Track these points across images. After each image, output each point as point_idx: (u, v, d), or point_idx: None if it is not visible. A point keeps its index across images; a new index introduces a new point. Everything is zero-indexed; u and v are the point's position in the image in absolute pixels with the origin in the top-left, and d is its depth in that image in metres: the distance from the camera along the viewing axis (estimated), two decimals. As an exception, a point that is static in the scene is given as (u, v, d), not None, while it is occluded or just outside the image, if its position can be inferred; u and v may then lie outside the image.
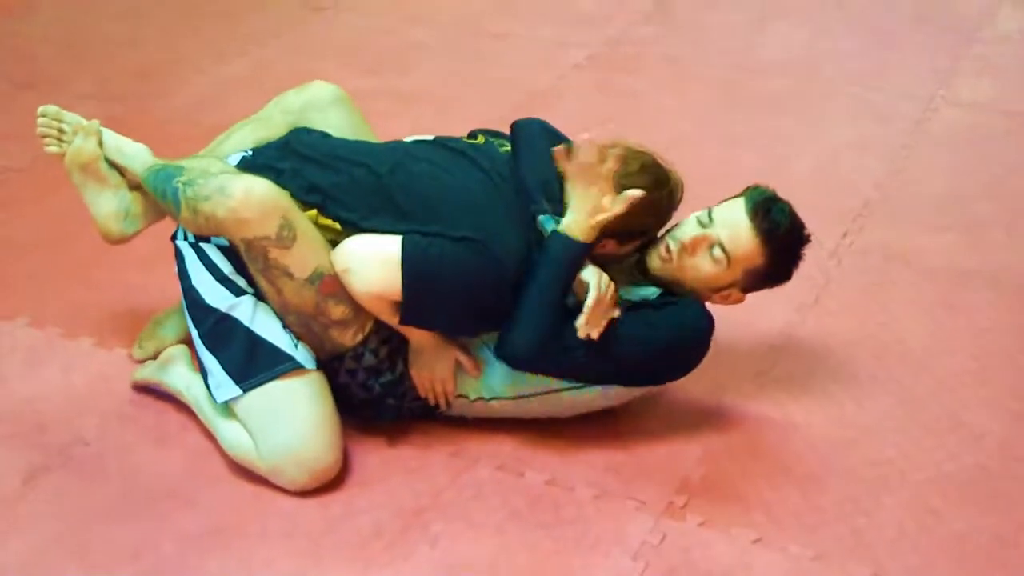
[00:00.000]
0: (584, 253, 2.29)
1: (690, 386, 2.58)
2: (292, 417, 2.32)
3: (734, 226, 2.34)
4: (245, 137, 2.62)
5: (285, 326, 2.37)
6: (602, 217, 2.27)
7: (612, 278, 2.30)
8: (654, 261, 2.40)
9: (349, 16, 4.84)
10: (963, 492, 2.37)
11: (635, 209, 2.28)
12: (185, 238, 2.44)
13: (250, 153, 2.50)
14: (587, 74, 4.28)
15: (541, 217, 2.33)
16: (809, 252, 3.05)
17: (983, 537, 2.27)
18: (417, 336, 2.38)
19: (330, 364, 2.41)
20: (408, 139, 2.62)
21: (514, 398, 2.44)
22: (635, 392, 2.47)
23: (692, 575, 2.17)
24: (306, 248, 2.31)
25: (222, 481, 2.40)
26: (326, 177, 2.39)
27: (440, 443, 2.48)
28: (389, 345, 2.41)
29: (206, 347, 2.38)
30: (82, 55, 4.47)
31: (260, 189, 2.29)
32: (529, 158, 2.42)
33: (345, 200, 2.37)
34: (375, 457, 2.46)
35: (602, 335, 2.26)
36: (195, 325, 2.40)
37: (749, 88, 4.16)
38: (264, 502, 2.34)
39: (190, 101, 4.08)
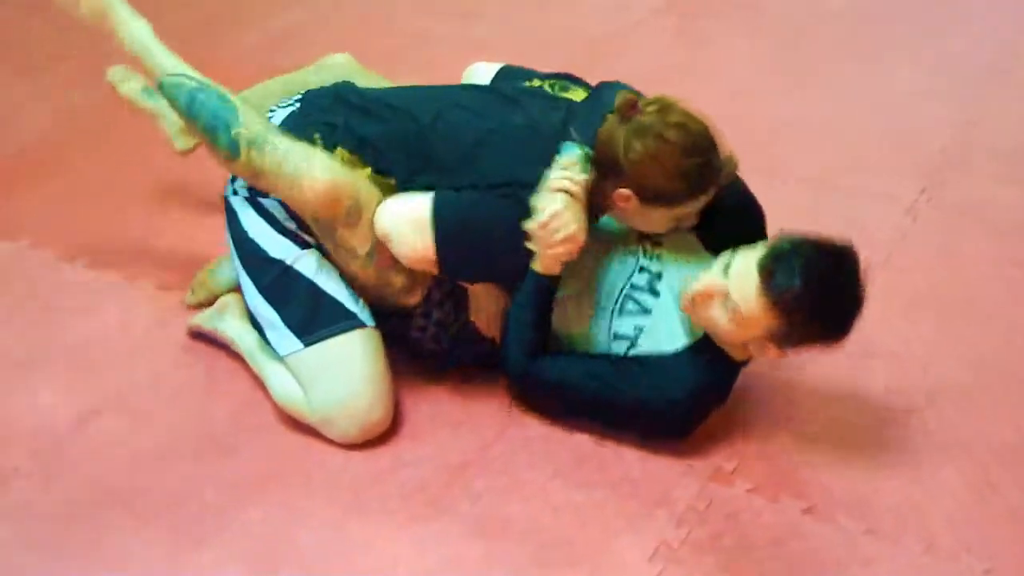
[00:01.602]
0: (546, 283, 2.26)
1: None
2: (346, 371, 2.31)
3: (744, 284, 2.10)
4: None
5: (344, 282, 2.36)
6: (556, 252, 2.21)
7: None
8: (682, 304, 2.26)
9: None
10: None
11: (656, 170, 2.16)
12: (236, 193, 2.41)
13: (298, 106, 2.45)
14: (663, 19, 4.18)
15: (564, 144, 2.23)
16: (884, 207, 3.03)
17: (1045, 512, 2.19)
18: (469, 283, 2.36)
19: (401, 321, 2.40)
20: (470, 75, 2.62)
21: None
22: None
23: (738, 542, 2.13)
24: (368, 225, 2.29)
25: (269, 431, 2.40)
26: (375, 128, 2.34)
27: (490, 398, 2.45)
28: (453, 298, 2.40)
29: (267, 299, 2.36)
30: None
31: (341, 179, 2.27)
32: (587, 119, 2.28)
33: (392, 156, 2.33)
34: (425, 411, 2.44)
35: (588, 375, 2.26)
36: (254, 278, 2.38)
37: (824, 36, 4.05)
38: (310, 453, 2.34)
39: (256, 45, 4.06)
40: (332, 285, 2.34)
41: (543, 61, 3.79)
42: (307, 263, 2.34)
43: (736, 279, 2.11)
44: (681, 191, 2.18)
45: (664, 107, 2.19)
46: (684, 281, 2.25)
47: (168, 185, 3.19)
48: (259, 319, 2.40)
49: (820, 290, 2.06)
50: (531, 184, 2.22)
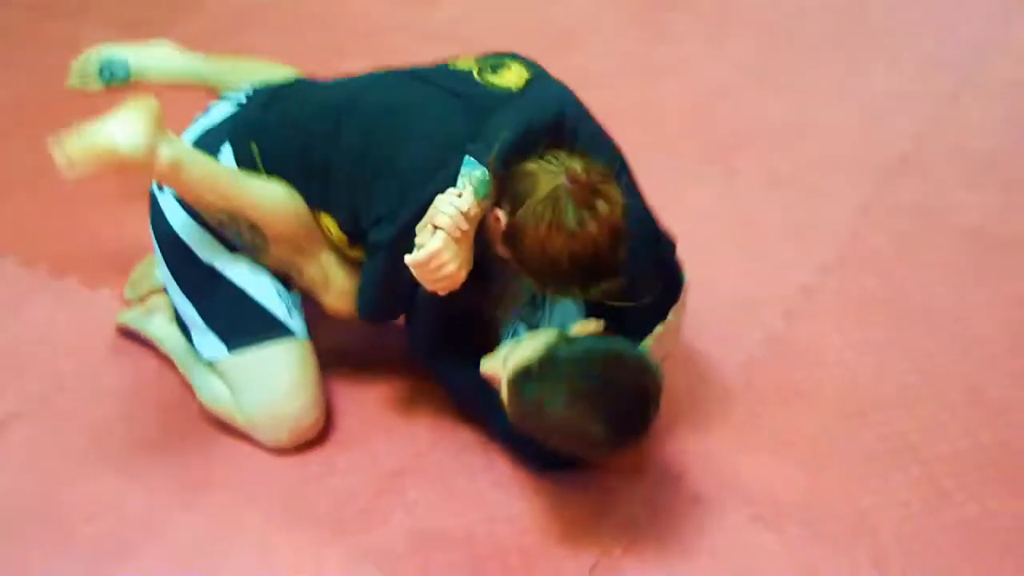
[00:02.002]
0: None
1: (692, 341, 2.45)
2: (274, 377, 2.23)
3: (504, 389, 2.00)
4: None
5: (280, 291, 2.27)
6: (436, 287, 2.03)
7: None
8: None
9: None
10: (979, 473, 2.22)
11: (537, 255, 1.96)
12: (162, 188, 2.30)
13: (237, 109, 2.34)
14: (620, 12, 4.09)
15: (467, 159, 2.01)
16: (838, 207, 2.96)
17: (996, 522, 2.12)
18: None
19: None
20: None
21: None
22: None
23: (681, 550, 2.06)
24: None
25: (198, 435, 2.31)
26: (283, 152, 2.24)
27: (425, 404, 2.37)
28: None
29: (192, 303, 2.27)
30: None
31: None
32: (496, 135, 2.05)
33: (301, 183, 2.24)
34: (357, 417, 2.35)
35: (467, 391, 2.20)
36: (179, 280, 2.28)
37: (792, 30, 3.94)
38: (239, 458, 2.25)
39: (206, 28, 3.95)
40: (262, 293, 2.25)
41: (504, 47, 3.72)
42: (236, 268, 2.25)
43: (505, 377, 1.98)
44: (548, 281, 2.01)
45: (597, 199, 1.94)
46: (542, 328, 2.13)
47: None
48: (185, 320, 2.30)
49: (571, 417, 1.88)
50: (422, 209, 2.03)
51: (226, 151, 2.25)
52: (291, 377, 2.22)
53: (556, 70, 3.53)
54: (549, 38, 3.89)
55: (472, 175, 1.98)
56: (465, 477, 2.21)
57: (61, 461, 2.25)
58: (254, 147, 2.23)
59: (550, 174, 1.96)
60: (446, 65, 2.28)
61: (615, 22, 4.02)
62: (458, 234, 1.96)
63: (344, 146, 2.16)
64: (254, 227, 2.19)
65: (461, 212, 1.95)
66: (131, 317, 2.50)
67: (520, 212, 1.96)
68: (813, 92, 3.54)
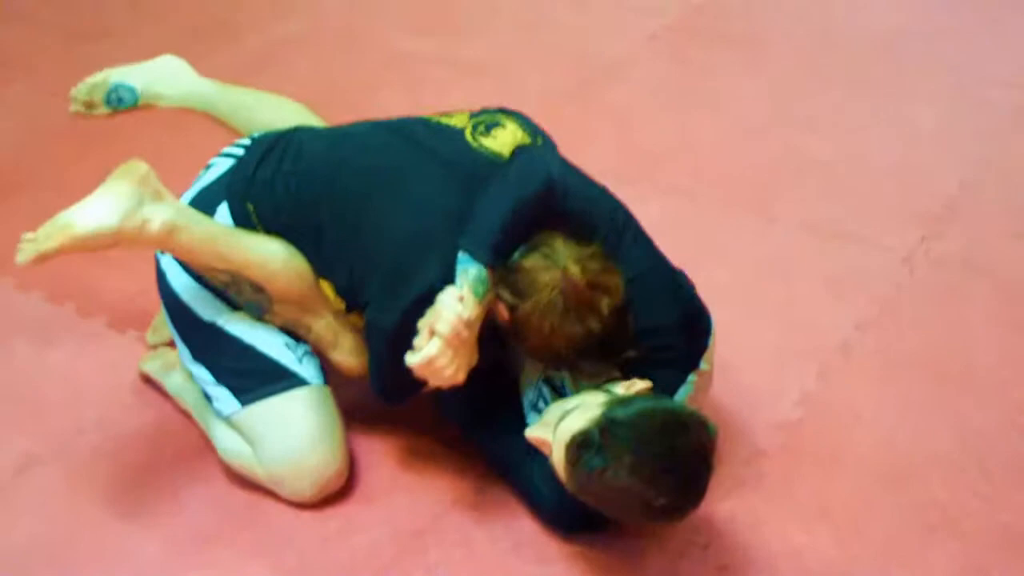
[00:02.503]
0: None
1: (722, 398, 2.38)
2: (294, 426, 2.18)
3: (558, 453, 1.92)
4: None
5: (288, 342, 2.23)
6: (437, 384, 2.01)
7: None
8: None
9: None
10: (1020, 550, 2.13)
11: (539, 340, 1.98)
12: (164, 252, 2.27)
13: (234, 163, 2.31)
14: (662, 46, 4.03)
15: (461, 254, 1.98)
16: (880, 258, 2.88)
17: (1037, 607, 2.04)
18: None
19: None
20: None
21: None
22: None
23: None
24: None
25: (217, 486, 2.27)
26: (281, 219, 2.21)
27: (451, 462, 2.31)
28: None
29: (201, 363, 2.24)
30: (146, 9, 4.35)
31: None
32: (485, 223, 2.01)
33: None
34: (381, 474, 2.30)
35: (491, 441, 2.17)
36: (187, 342, 2.25)
37: (831, 66, 3.87)
38: (258, 512, 2.21)
39: (241, 60, 3.93)
40: (268, 344, 2.21)
41: (535, 85, 3.69)
42: (239, 323, 2.22)
43: (558, 444, 1.91)
44: (560, 366, 2.06)
45: (597, 297, 1.94)
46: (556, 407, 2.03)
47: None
48: (197, 380, 2.28)
49: (631, 486, 1.83)
50: (421, 298, 2.00)
51: (222, 210, 2.22)
52: (309, 426, 2.18)
53: (594, 104, 3.51)
54: (588, 72, 3.85)
55: (468, 274, 1.95)
56: (487, 540, 2.15)
57: (77, 507, 2.22)
58: (250, 207, 2.21)
59: (546, 271, 1.95)
60: (439, 121, 2.23)
61: (653, 57, 3.96)
62: (457, 342, 1.93)
63: (334, 213, 2.14)
64: (257, 287, 2.16)
65: (462, 319, 1.92)
66: (153, 368, 2.47)
67: (520, 313, 1.96)
68: (854, 130, 3.47)
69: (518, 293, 1.97)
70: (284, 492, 2.20)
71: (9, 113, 3.65)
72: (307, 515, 2.20)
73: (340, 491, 2.23)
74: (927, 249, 2.94)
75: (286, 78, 3.73)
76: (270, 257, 2.16)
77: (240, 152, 2.32)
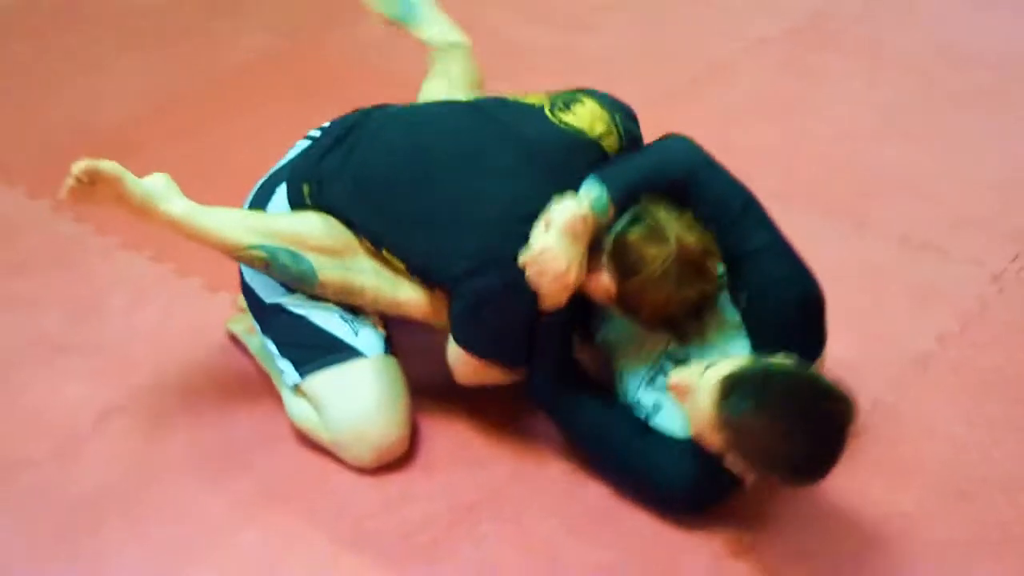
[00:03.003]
0: (554, 317, 2.13)
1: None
2: (357, 394, 2.25)
3: (706, 392, 1.93)
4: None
5: (344, 316, 2.29)
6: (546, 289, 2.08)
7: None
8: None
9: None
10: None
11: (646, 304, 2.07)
12: None
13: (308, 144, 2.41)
14: (773, 49, 4.00)
15: (590, 179, 2.06)
16: (968, 273, 2.83)
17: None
18: None
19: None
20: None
21: None
22: None
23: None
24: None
25: (286, 448, 2.35)
26: (342, 192, 2.30)
27: (513, 438, 2.36)
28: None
29: (265, 333, 2.34)
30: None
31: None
32: (623, 170, 2.13)
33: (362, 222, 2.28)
34: (442, 445, 2.35)
35: (601, 428, 2.16)
36: (258, 321, 2.36)
37: (949, 81, 3.79)
38: (322, 475, 2.28)
39: (362, 42, 4.02)
40: (326, 320, 2.29)
41: (641, 82, 3.70)
42: (299, 303, 2.30)
43: (706, 384, 1.94)
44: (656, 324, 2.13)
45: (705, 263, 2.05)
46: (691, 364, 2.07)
47: (243, 190, 3.17)
48: (268, 349, 2.37)
49: (772, 432, 1.86)
50: (507, 258, 2.08)
51: (280, 191, 2.34)
52: (370, 395, 2.24)
53: (700, 104, 3.51)
54: (697, 70, 3.85)
55: (591, 191, 2.03)
56: (539, 517, 2.19)
57: (151, 459, 2.32)
58: (305, 188, 2.30)
59: (655, 244, 2.01)
60: (517, 100, 2.29)
61: (763, 60, 3.94)
62: (573, 231, 1.99)
63: (415, 197, 2.20)
64: (294, 255, 2.23)
65: (578, 214, 1.99)
66: (239, 328, 2.57)
67: (631, 287, 2.03)
68: (958, 145, 3.39)
69: (626, 268, 2.02)
70: (346, 457, 2.27)
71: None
72: (367, 481, 2.26)
73: (401, 459, 2.29)
74: (1019, 268, 2.87)
75: (395, 60, 3.81)
76: (295, 218, 2.26)
77: (318, 134, 2.40)
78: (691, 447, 2.04)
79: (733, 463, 1.95)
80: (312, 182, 2.30)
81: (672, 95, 3.70)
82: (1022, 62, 3.90)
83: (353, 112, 2.45)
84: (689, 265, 2.01)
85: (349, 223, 2.27)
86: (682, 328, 2.13)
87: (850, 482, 2.25)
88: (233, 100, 3.62)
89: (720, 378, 1.91)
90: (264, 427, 2.39)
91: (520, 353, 2.19)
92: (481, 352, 2.20)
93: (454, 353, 2.23)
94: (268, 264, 2.24)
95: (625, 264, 2.02)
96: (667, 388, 2.05)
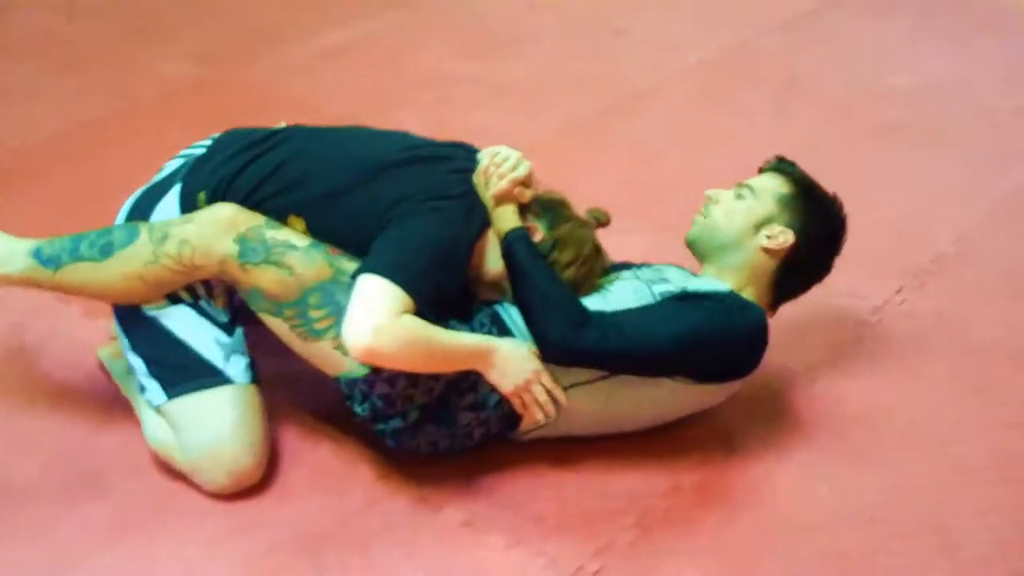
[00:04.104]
0: (520, 235, 2.27)
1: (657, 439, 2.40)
2: (214, 418, 2.27)
3: (757, 177, 2.45)
4: None
5: (219, 339, 2.30)
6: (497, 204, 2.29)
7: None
8: (692, 228, 2.42)
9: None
10: None
11: None
12: None
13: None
14: (692, 80, 4.05)
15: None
16: (850, 305, 2.85)
17: None
18: (486, 355, 2.20)
19: (452, 402, 2.25)
20: None
21: (566, 388, 2.26)
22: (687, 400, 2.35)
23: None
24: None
25: (143, 473, 2.36)
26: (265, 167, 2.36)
27: (374, 464, 2.37)
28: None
29: (135, 352, 2.33)
30: (198, 12, 4.51)
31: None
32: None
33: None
34: (301, 473, 2.36)
35: (643, 313, 2.24)
36: (124, 330, 2.35)
37: (865, 116, 3.84)
38: (175, 501, 2.29)
39: (281, 67, 4.06)
40: (199, 341, 2.29)
41: (557, 111, 3.74)
42: (173, 317, 2.30)
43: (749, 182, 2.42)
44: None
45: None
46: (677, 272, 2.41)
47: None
48: (134, 370, 2.37)
49: (819, 193, 2.42)
50: (450, 196, 2.26)
51: (172, 195, 2.34)
52: (229, 420, 2.26)
53: (609, 135, 3.54)
54: (612, 101, 3.88)
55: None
56: (386, 546, 2.20)
57: (8, 482, 2.33)
58: (201, 196, 2.32)
59: (580, 229, 2.37)
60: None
61: (681, 91, 3.99)
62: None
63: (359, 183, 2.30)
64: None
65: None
66: (105, 355, 2.58)
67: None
68: (864, 180, 3.41)
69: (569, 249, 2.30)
70: (201, 481, 2.28)
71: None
72: (221, 507, 2.27)
73: (255, 487, 2.30)
74: (901, 301, 2.90)
75: (316, 89, 3.86)
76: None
77: (200, 151, 2.43)
78: (737, 295, 2.32)
79: (775, 236, 2.35)
80: (209, 189, 2.32)
81: (583, 125, 3.75)
82: (940, 98, 3.94)
83: (246, 129, 2.50)
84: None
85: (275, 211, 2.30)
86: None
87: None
88: (144, 126, 3.65)
89: (768, 164, 2.49)
90: (125, 454, 2.40)
91: (441, 277, 2.21)
92: (404, 269, 2.15)
93: (363, 312, 2.11)
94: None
95: (565, 249, 2.30)
96: (706, 199, 2.43)
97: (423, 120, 3.61)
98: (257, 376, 2.34)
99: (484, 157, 2.32)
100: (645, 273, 2.41)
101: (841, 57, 4.24)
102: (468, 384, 2.22)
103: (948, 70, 4.12)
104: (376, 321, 2.08)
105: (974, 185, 3.44)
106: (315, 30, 4.35)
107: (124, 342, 2.37)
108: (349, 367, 2.19)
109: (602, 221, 2.42)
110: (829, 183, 2.52)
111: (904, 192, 3.40)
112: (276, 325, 2.26)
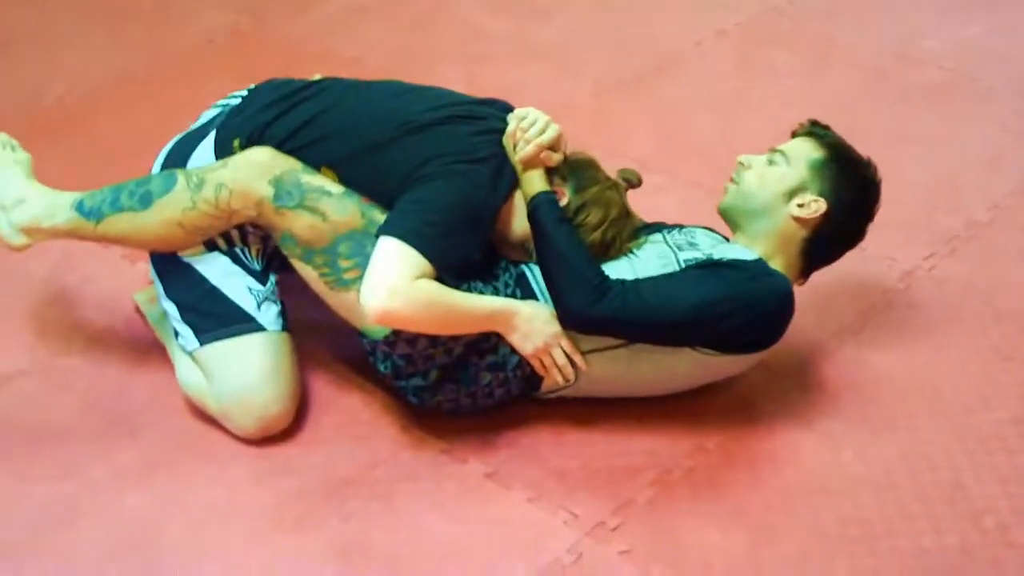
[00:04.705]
0: (548, 199, 2.28)
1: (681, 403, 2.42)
2: (245, 364, 2.30)
3: (786, 142, 2.43)
4: None
5: (251, 287, 2.33)
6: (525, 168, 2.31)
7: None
8: (725, 197, 2.41)
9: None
10: (929, 574, 2.12)
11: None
12: None
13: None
14: (728, 42, 4.02)
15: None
16: (879, 270, 2.84)
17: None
18: (506, 318, 2.22)
19: (472, 362, 2.28)
20: None
21: (587, 352, 2.28)
22: (706, 369, 2.35)
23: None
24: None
25: (177, 416, 2.41)
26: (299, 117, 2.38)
27: (401, 414, 2.40)
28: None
29: (170, 298, 2.37)
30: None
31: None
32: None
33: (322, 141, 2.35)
34: (330, 419, 2.41)
35: (666, 282, 2.24)
36: (160, 275, 2.39)
37: (899, 79, 3.80)
38: (205, 445, 2.34)
39: (321, 22, 4.06)
40: (232, 288, 2.33)
41: (593, 72, 3.73)
42: (209, 264, 2.34)
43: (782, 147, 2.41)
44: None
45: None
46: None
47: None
48: (167, 315, 2.41)
49: (853, 157, 2.41)
50: (478, 158, 2.26)
51: (207, 143, 2.38)
52: (260, 367, 2.29)
53: (647, 95, 3.64)
54: (647, 63, 3.87)
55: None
56: (408, 495, 2.24)
57: (46, 423, 2.39)
58: (236, 142, 2.35)
59: (608, 190, 2.39)
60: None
61: (715, 53, 3.96)
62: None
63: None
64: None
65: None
66: (142, 299, 2.62)
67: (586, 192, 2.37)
68: (897, 144, 3.37)
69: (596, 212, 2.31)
70: (231, 427, 2.33)
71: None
72: (249, 452, 2.32)
73: (284, 433, 2.34)
74: (931, 267, 2.90)
75: (355, 44, 3.87)
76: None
77: (236, 101, 2.45)
78: (764, 263, 2.32)
79: (806, 204, 2.34)
80: (244, 137, 2.35)
81: (618, 86, 3.73)
82: (975, 63, 3.90)
83: (283, 79, 2.52)
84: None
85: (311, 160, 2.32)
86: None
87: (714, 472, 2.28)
88: (182, 78, 3.67)
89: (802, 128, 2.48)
90: (157, 397, 2.45)
91: (463, 241, 2.23)
92: (423, 233, 2.17)
93: (381, 274, 2.14)
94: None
95: (592, 211, 2.30)
96: (739, 165, 2.42)
97: (460, 76, 3.61)
98: (288, 324, 2.38)
99: (512, 121, 2.32)
100: (675, 237, 2.41)
101: (876, 21, 4.19)
102: (489, 345, 2.25)
103: (983, 36, 4.07)
104: (391, 284, 2.11)
105: (1008, 152, 3.41)
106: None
107: (159, 288, 2.40)
108: (371, 324, 2.22)
109: (633, 182, 2.43)
110: (862, 147, 2.51)
111: (938, 157, 3.37)
112: (307, 272, 2.28)
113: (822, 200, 2.34)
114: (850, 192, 2.37)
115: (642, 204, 2.54)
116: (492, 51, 3.93)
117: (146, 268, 2.74)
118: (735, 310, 2.23)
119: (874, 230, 2.54)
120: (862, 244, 2.52)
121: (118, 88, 3.61)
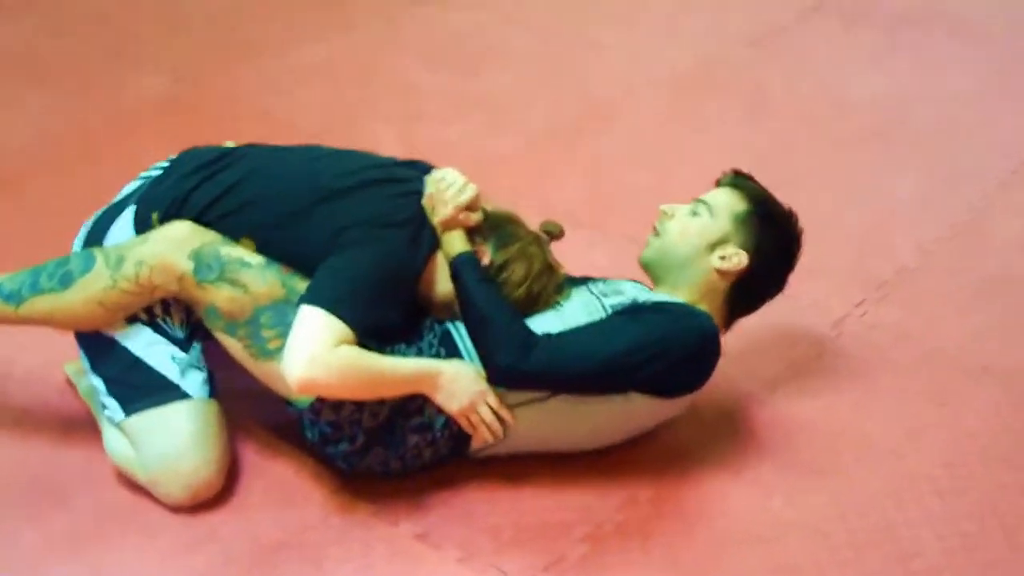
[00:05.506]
0: (468, 260, 2.30)
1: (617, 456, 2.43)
2: (171, 432, 2.29)
3: (710, 191, 2.46)
4: None
5: (175, 356, 2.33)
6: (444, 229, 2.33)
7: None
8: (646, 250, 2.44)
9: (447, 13, 4.70)
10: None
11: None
12: None
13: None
14: (661, 92, 4.07)
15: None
16: (811, 318, 2.87)
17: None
18: (430, 379, 2.23)
19: (399, 425, 2.28)
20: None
21: (514, 407, 2.28)
22: (640, 416, 2.37)
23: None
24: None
25: (105, 486, 2.38)
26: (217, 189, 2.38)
27: (331, 479, 2.39)
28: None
29: (94, 371, 2.37)
30: (176, 28, 4.53)
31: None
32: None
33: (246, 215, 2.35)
34: (262, 483, 2.39)
35: (590, 330, 2.26)
36: (85, 351, 2.39)
37: (831, 126, 3.86)
38: (134, 514, 2.32)
39: (257, 83, 4.08)
40: (156, 356, 2.32)
41: (527, 123, 3.77)
42: (132, 336, 2.33)
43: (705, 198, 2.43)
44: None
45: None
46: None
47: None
48: (94, 390, 2.41)
49: (775, 209, 2.45)
50: (396, 223, 2.29)
51: (127, 216, 2.37)
52: (186, 434, 2.28)
53: (579, 147, 3.61)
54: (580, 113, 3.91)
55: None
56: (338, 562, 2.22)
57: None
58: (155, 215, 2.35)
59: (529, 245, 2.39)
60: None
61: (650, 104, 4.01)
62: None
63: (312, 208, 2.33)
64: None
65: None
66: (72, 371, 2.61)
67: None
68: (826, 201, 3.40)
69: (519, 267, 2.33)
70: (160, 495, 2.31)
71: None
72: (178, 520, 2.29)
73: (214, 499, 2.32)
74: (862, 313, 2.93)
75: (291, 105, 3.89)
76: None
77: (158, 172, 2.46)
78: (688, 306, 2.34)
79: (727, 257, 2.36)
80: (163, 210, 2.36)
81: (553, 137, 3.77)
82: (905, 110, 3.97)
83: (203, 148, 2.53)
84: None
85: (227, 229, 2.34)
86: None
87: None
88: (118, 141, 3.67)
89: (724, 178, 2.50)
90: (89, 467, 2.42)
91: (383, 305, 2.25)
92: (343, 300, 2.18)
93: (301, 343, 2.16)
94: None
95: (510, 269, 2.31)
96: (662, 215, 2.44)
97: (396, 135, 3.65)
98: (216, 390, 2.37)
99: (429, 184, 2.34)
100: (599, 287, 2.43)
101: (809, 69, 4.27)
102: (415, 406, 2.25)
103: (914, 82, 4.15)
104: (312, 352, 2.13)
105: (938, 197, 3.47)
106: (292, 45, 4.36)
107: (86, 363, 2.40)
108: (296, 394, 2.22)
109: (555, 234, 2.45)
110: (793, 195, 2.55)
111: (868, 203, 3.43)
112: (231, 344, 2.29)
113: (743, 253, 2.36)
114: (772, 245, 2.40)
115: (572, 258, 2.55)
116: (428, 108, 3.96)
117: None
118: (662, 352, 2.25)
119: (806, 277, 2.59)
120: (794, 292, 2.55)
121: (49, 150, 3.60)
